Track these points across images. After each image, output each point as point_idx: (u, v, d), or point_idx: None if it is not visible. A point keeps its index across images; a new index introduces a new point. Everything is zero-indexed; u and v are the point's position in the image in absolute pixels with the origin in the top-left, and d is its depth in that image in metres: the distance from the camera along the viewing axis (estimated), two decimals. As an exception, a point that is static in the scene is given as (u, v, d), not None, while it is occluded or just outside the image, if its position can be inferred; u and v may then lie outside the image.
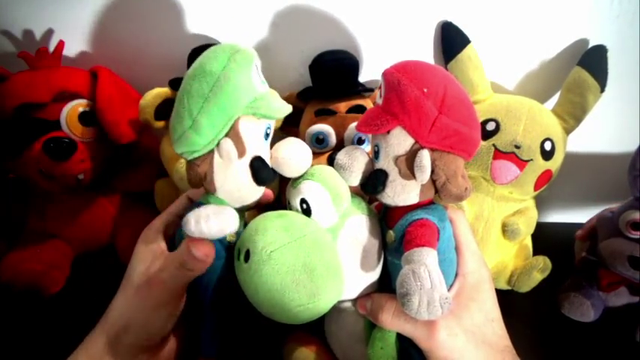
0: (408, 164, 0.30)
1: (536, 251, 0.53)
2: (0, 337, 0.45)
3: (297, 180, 0.32)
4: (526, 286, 0.48)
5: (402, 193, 0.31)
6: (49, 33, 0.50)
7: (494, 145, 0.46)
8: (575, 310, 0.46)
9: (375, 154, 0.33)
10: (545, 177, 0.48)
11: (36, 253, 0.48)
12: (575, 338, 0.46)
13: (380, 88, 0.31)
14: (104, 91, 0.46)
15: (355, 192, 0.34)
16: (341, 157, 0.33)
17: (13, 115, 0.43)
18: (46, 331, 0.46)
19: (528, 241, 0.54)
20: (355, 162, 0.32)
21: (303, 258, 0.29)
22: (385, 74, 0.31)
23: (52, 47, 0.47)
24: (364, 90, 0.51)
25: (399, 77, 0.29)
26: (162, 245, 0.33)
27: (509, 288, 0.49)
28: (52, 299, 0.48)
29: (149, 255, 0.32)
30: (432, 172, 0.30)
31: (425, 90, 0.29)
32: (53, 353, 0.43)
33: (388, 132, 0.31)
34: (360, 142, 0.48)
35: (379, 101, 0.31)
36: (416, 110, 0.29)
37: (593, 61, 0.49)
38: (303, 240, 0.29)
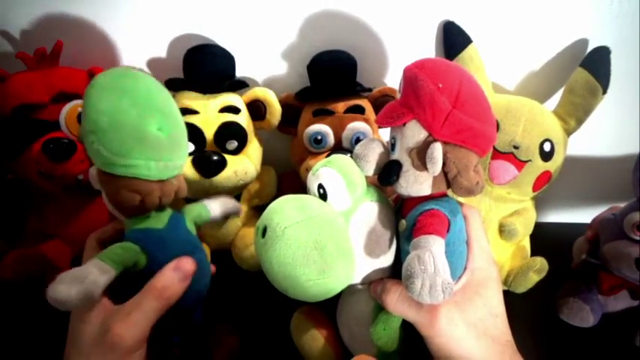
0: (421, 156, 0.31)
1: (535, 251, 0.53)
2: None
3: (316, 167, 0.35)
4: (522, 287, 0.49)
5: (414, 183, 0.32)
6: (47, 33, 0.49)
7: (495, 140, 0.46)
8: (574, 316, 0.46)
9: (392, 146, 0.34)
10: (544, 178, 0.48)
11: (35, 253, 0.48)
12: (574, 341, 0.46)
13: (400, 83, 0.33)
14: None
15: (372, 183, 0.36)
16: (358, 147, 0.35)
17: (11, 116, 0.43)
18: (45, 331, 0.46)
19: (526, 242, 0.54)
20: (370, 152, 0.34)
21: (315, 235, 0.31)
22: (405, 70, 0.32)
23: (49, 47, 0.47)
24: (362, 90, 0.51)
25: (416, 73, 0.31)
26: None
27: (506, 288, 0.50)
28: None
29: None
30: (444, 164, 0.31)
31: (440, 85, 0.30)
32: (53, 353, 0.43)
33: (404, 124, 0.32)
34: (358, 142, 0.48)
35: (398, 96, 0.33)
36: (430, 104, 0.30)
37: (595, 62, 0.49)
38: (316, 219, 0.32)
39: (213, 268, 0.39)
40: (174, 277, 0.32)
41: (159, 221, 0.33)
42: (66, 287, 0.27)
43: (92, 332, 0.30)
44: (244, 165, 0.48)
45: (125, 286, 0.32)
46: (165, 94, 0.32)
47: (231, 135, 0.47)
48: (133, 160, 0.29)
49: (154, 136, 0.30)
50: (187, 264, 0.32)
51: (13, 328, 0.47)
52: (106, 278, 0.29)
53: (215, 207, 0.39)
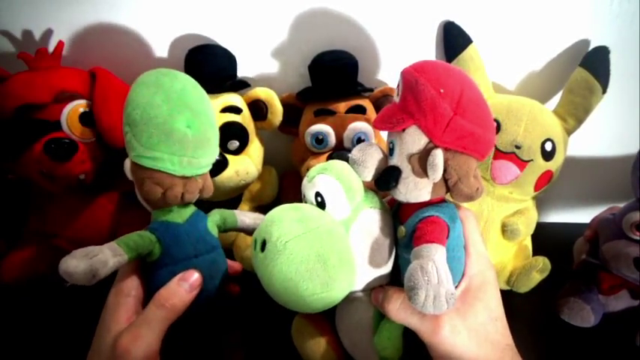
0: (421, 162, 0.31)
1: (536, 251, 0.53)
2: (0, 338, 0.46)
3: (312, 174, 0.34)
4: (525, 287, 0.49)
5: (414, 190, 0.32)
6: (49, 33, 0.50)
7: (494, 144, 0.47)
8: (575, 316, 0.46)
9: (390, 151, 0.33)
10: (545, 177, 0.48)
11: (36, 253, 0.48)
12: (574, 341, 0.46)
13: (398, 86, 0.32)
14: (100, 95, 0.46)
15: (369, 187, 0.35)
16: (355, 152, 0.34)
17: (13, 116, 0.43)
18: (46, 331, 0.46)
19: (528, 242, 0.54)
20: (369, 157, 0.33)
21: (317, 248, 0.30)
22: (403, 73, 0.31)
23: (51, 48, 0.47)
24: (363, 90, 0.51)
25: (416, 77, 0.30)
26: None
27: (509, 288, 0.50)
28: (52, 300, 0.48)
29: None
30: (445, 171, 0.31)
31: (441, 90, 0.29)
32: (54, 353, 0.43)
33: (403, 130, 0.31)
34: (360, 142, 0.48)
35: (396, 99, 0.32)
36: (431, 110, 0.29)
37: (595, 62, 0.49)
38: (317, 231, 0.31)
39: (236, 288, 0.39)
40: (178, 288, 0.32)
41: (179, 216, 0.34)
42: (75, 261, 0.28)
43: (106, 347, 0.30)
44: (245, 165, 0.48)
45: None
46: (200, 94, 0.34)
47: (232, 135, 0.47)
48: (158, 153, 0.31)
49: (180, 132, 0.31)
50: (193, 276, 0.33)
51: (14, 330, 0.47)
52: (116, 260, 0.29)
53: (245, 218, 0.38)
